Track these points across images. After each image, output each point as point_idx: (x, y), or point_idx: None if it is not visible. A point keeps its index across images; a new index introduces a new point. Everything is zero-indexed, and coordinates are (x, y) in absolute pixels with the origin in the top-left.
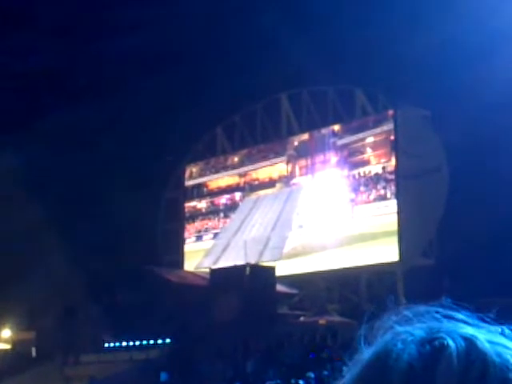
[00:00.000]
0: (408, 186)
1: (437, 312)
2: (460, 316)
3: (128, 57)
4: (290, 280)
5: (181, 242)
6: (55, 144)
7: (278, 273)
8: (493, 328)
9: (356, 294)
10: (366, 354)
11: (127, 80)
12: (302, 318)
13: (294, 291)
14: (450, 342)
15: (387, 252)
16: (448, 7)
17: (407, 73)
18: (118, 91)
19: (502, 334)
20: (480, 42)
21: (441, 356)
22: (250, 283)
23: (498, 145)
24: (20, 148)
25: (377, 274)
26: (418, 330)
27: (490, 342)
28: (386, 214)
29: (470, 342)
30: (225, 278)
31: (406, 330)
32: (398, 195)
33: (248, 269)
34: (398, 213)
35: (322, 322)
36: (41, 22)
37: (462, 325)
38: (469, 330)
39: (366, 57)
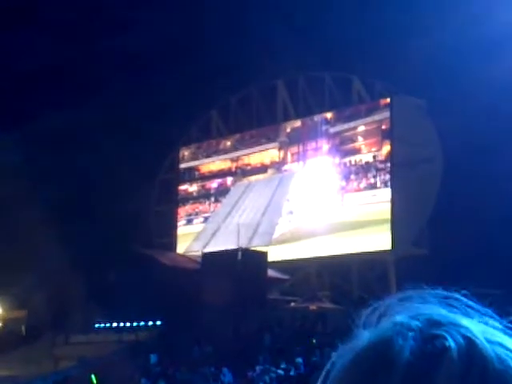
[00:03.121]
0: (401, 174)
1: (434, 297)
2: (456, 304)
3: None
4: (281, 266)
5: (173, 224)
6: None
7: (268, 258)
8: (490, 321)
9: (347, 281)
10: (361, 341)
11: (123, 72)
12: (292, 304)
13: (286, 277)
14: (452, 344)
15: (376, 240)
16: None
17: (404, 61)
18: (114, 83)
19: (501, 329)
20: (478, 32)
21: (442, 359)
22: (241, 268)
23: (492, 135)
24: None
25: (367, 262)
26: (415, 321)
27: (489, 341)
28: (375, 202)
29: (469, 341)
30: (217, 262)
31: (404, 320)
32: (391, 183)
33: (240, 253)
34: (392, 201)
35: (312, 307)
36: (39, 21)
37: (460, 317)
38: (468, 325)
39: (362, 45)
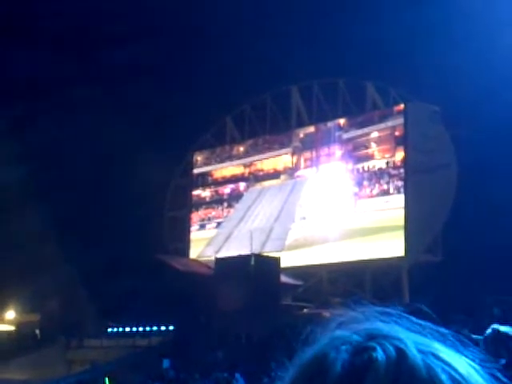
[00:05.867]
0: (416, 181)
1: (386, 314)
2: (411, 319)
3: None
4: (293, 271)
5: (187, 229)
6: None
7: (281, 264)
8: (439, 333)
9: (360, 287)
10: (303, 356)
11: (138, 78)
12: (305, 310)
13: (299, 282)
14: (379, 355)
15: (390, 247)
16: (460, 6)
17: (418, 68)
18: (127, 90)
19: (444, 340)
20: (493, 40)
21: (368, 370)
22: (254, 273)
23: (508, 142)
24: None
25: (381, 268)
26: (355, 336)
27: (421, 351)
28: (388, 209)
29: (401, 353)
30: (230, 267)
31: (344, 334)
32: (405, 190)
33: (253, 259)
34: (405, 208)
35: (325, 314)
36: (36, 34)
37: (399, 330)
38: (404, 337)
39: (377, 51)
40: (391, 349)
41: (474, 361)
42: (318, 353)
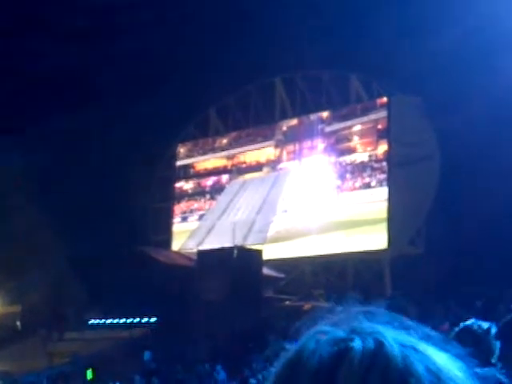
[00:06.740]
0: (398, 173)
1: (372, 314)
2: (398, 318)
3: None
4: (275, 264)
5: (170, 222)
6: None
7: (263, 257)
8: (423, 332)
9: (342, 280)
10: (288, 351)
11: (123, 71)
12: (287, 302)
13: (281, 275)
14: (356, 345)
15: (372, 240)
16: None
17: (402, 60)
18: (115, 83)
19: (428, 338)
20: (480, 32)
21: (344, 359)
22: (236, 265)
23: (491, 134)
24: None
25: (363, 261)
26: (338, 330)
27: (401, 344)
28: (370, 202)
29: (378, 344)
30: (212, 260)
31: (325, 328)
32: (388, 183)
33: (235, 251)
34: (388, 200)
35: (307, 306)
36: (51, 26)
37: (381, 326)
38: (384, 332)
39: (360, 43)
40: (370, 340)
41: (456, 358)
42: (299, 346)
